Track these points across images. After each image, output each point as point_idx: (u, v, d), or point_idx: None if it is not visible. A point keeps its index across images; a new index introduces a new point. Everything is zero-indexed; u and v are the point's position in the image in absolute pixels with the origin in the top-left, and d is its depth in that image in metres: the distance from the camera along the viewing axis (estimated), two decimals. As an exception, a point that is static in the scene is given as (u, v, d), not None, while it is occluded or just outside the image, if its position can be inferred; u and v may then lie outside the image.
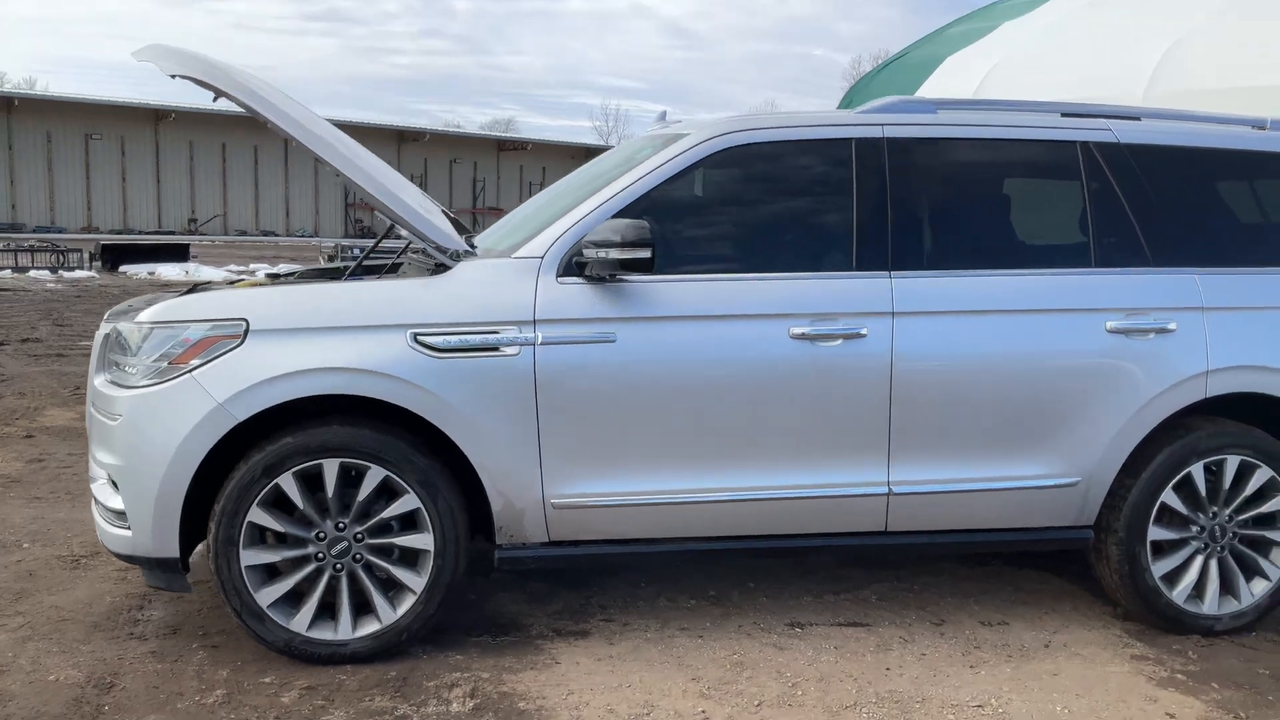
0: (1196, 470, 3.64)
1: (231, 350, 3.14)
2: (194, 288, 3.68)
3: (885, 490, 3.49)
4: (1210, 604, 3.72)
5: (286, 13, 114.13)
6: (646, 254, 3.14)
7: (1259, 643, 3.69)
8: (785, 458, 3.43)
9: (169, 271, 20.17)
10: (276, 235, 44.90)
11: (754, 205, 3.62)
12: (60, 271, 20.27)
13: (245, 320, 3.17)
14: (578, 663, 3.38)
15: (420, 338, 3.20)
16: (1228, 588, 3.73)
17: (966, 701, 3.20)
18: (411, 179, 5.68)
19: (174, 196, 44.73)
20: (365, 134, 44.02)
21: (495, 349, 3.23)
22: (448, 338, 3.22)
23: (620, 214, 3.35)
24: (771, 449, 3.42)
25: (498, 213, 44.37)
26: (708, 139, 3.48)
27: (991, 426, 3.52)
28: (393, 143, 48.24)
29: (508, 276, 3.31)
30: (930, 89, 17.90)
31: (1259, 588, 3.75)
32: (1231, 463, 3.65)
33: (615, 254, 3.14)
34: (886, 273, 3.48)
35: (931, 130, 3.62)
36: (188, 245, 22.66)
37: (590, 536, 3.42)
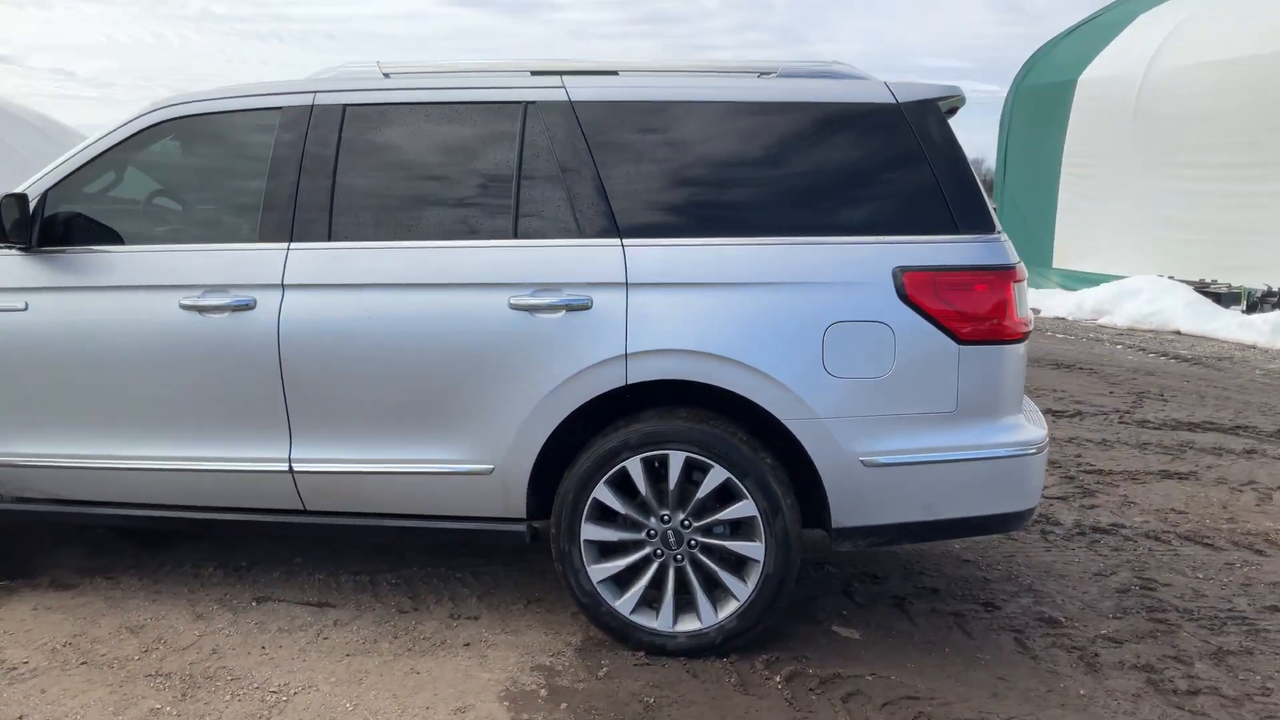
0: (634, 466, 3.23)
1: None
2: None
3: (288, 468, 3.42)
4: (664, 620, 3.29)
5: (615, 18, 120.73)
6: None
7: (705, 669, 3.21)
8: (190, 430, 3.46)
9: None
10: None
11: (181, 178, 3.66)
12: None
13: None
14: None
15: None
16: (691, 604, 3.28)
17: (267, 682, 3.11)
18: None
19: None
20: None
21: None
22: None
23: (58, 185, 3.54)
24: (176, 421, 3.46)
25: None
26: (145, 113, 3.57)
27: (391, 407, 3.33)
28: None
29: None
30: (1116, 48, 16.09)
31: (726, 607, 3.26)
32: (676, 460, 3.20)
33: None
34: (285, 244, 3.40)
35: (371, 96, 3.47)
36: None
37: (35, 495, 3.64)
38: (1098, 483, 5.38)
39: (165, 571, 3.98)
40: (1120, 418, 7.04)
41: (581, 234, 3.27)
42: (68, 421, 3.53)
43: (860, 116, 3.25)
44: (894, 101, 3.23)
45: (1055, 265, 15.93)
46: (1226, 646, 3.44)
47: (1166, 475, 5.55)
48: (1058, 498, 5.09)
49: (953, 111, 3.92)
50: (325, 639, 3.42)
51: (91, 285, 3.47)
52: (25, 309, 3.51)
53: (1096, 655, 3.36)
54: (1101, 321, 12.73)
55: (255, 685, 3.10)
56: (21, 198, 3.43)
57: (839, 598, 3.81)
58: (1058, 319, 13.41)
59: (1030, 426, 3.22)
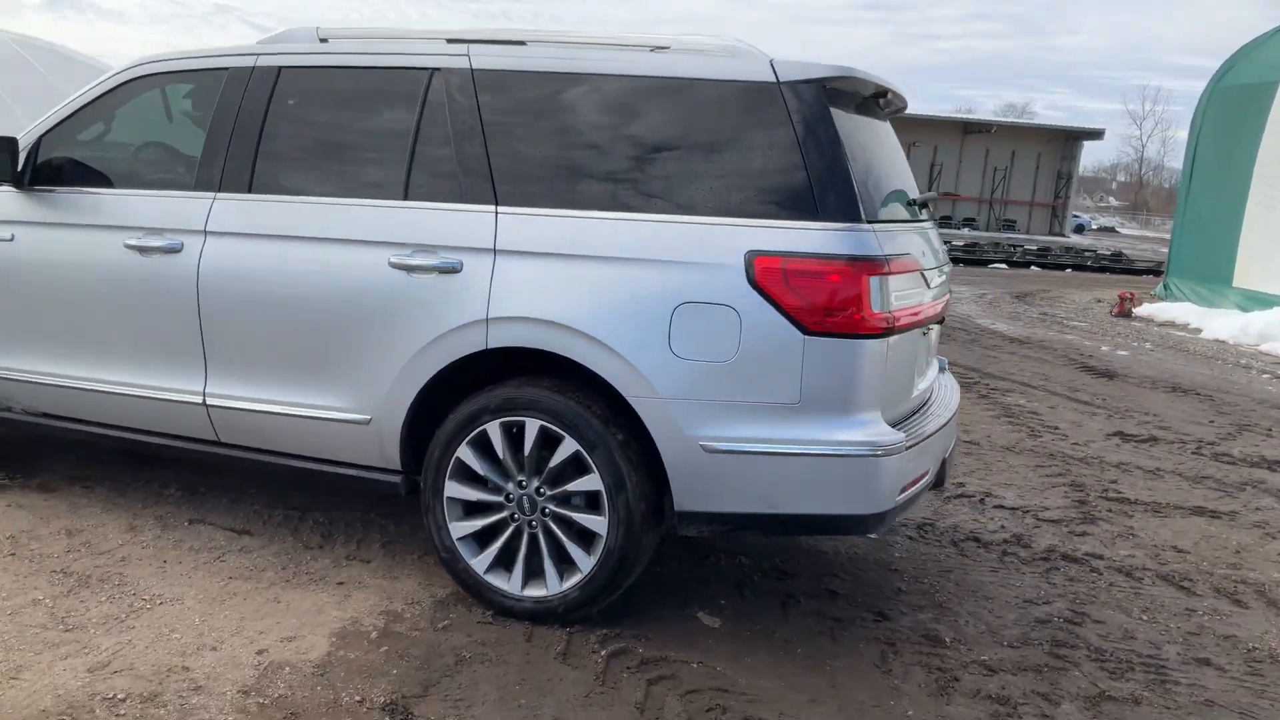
0: (494, 430, 3.30)
1: None
2: None
3: (202, 401, 3.70)
4: (514, 583, 3.35)
5: (841, 3, 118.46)
6: None
7: (543, 635, 3.24)
8: (128, 359, 3.80)
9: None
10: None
11: (149, 131, 3.98)
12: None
13: None
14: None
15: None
16: (542, 569, 3.33)
17: (144, 591, 3.39)
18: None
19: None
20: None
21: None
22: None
23: (48, 133, 3.96)
24: (120, 350, 3.80)
25: (950, 198, 42.83)
26: (123, 69, 3.93)
27: (286, 352, 3.53)
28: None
29: None
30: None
31: (571, 578, 3.28)
32: (531, 427, 3.25)
33: None
34: (212, 194, 3.66)
35: (303, 60, 3.67)
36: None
37: (13, 406, 4.10)
38: (1109, 511, 4.96)
39: (134, 488, 4.39)
40: (1198, 449, 6.41)
41: (463, 199, 3.35)
42: (39, 343, 3.95)
43: (738, 94, 3.15)
44: (773, 80, 3.12)
45: (1235, 284, 14.50)
46: (1114, 693, 3.14)
47: (1199, 512, 5.04)
48: (1051, 520, 4.74)
49: (897, 112, 3.74)
50: (221, 561, 3.69)
51: (62, 222, 3.87)
52: (11, 239, 3.95)
53: (956, 680, 3.16)
54: (1263, 348, 11.52)
55: (133, 592, 3.39)
56: (11, 140, 3.85)
57: (729, 588, 3.74)
58: (1216, 341, 12.25)
59: (881, 427, 3.05)
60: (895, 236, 3.19)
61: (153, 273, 3.69)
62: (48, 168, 3.94)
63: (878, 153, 3.47)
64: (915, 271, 3.25)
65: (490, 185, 3.32)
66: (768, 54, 3.24)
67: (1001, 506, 4.92)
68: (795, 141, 3.05)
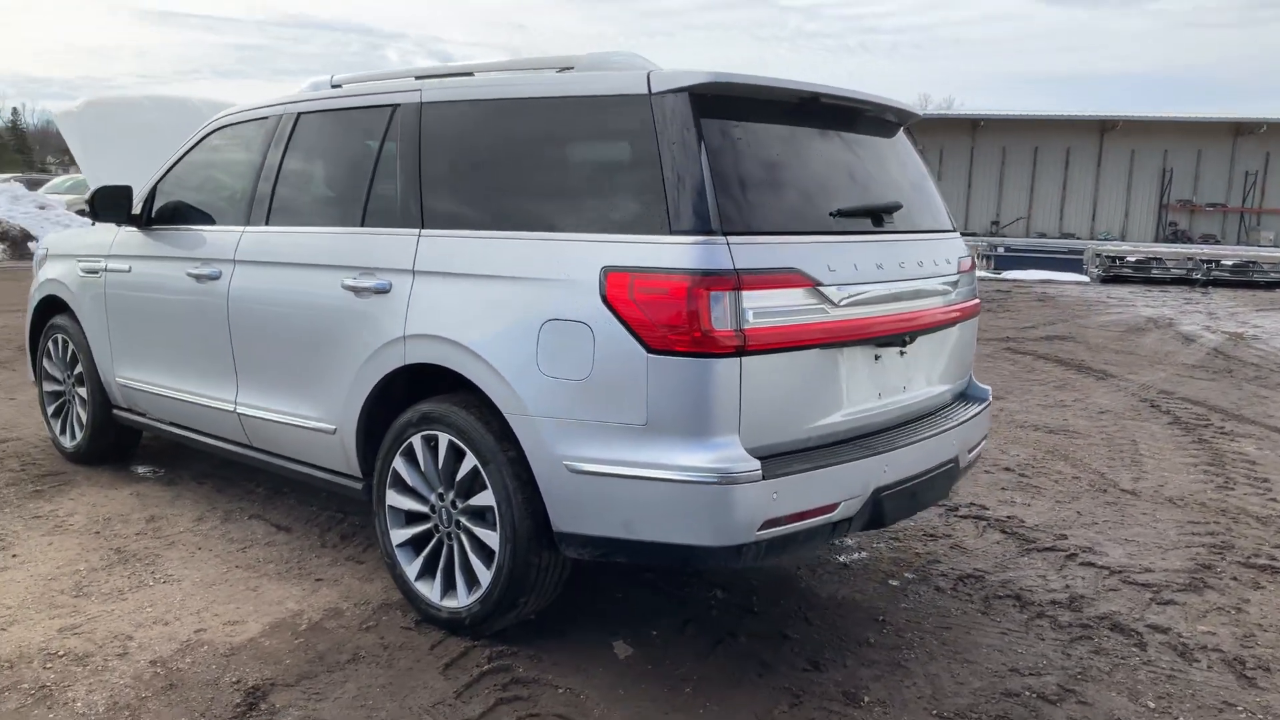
0: (417, 442, 3.46)
1: None
2: None
3: (234, 409, 4.21)
4: (435, 591, 3.48)
5: (1230, 5, 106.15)
6: (89, 209, 4.55)
7: (447, 645, 3.33)
8: (196, 371, 4.41)
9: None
10: (1076, 238, 44.15)
11: (223, 173, 4.55)
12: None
13: None
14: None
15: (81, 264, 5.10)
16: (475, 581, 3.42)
17: (160, 570, 3.91)
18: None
19: (982, 199, 47.21)
20: (1061, 126, 40.99)
21: (95, 272, 4.96)
22: (88, 261, 5.05)
23: (160, 179, 4.72)
24: (191, 363, 4.43)
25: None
26: (207, 124, 4.59)
27: (284, 366, 3.93)
28: (1094, 133, 44.65)
29: (107, 225, 4.94)
30: None
31: (475, 592, 3.35)
32: (443, 442, 3.38)
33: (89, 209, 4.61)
34: (243, 227, 4.17)
35: (316, 105, 4.06)
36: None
37: (138, 410, 4.90)
38: (1234, 580, 4.09)
39: (234, 485, 5.04)
40: None
41: (400, 223, 3.56)
42: (147, 357, 4.71)
43: (613, 108, 3.09)
44: (644, 93, 3.02)
45: None
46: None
47: (1371, 592, 4.01)
48: (1140, 584, 4.00)
49: (807, 109, 3.43)
50: (243, 552, 4.16)
51: (156, 255, 4.60)
52: (129, 271, 4.75)
53: (835, 743, 2.81)
54: None
55: (151, 571, 3.93)
56: (127, 189, 4.64)
57: (675, 620, 3.58)
58: None
59: (732, 452, 2.80)
60: (782, 250, 2.94)
61: (203, 297, 4.27)
62: (160, 209, 4.70)
63: (806, 159, 3.22)
64: (806, 287, 2.97)
65: (420, 209, 3.51)
66: (658, 67, 3.14)
67: (1091, 564, 4.23)
68: (656, 153, 2.94)
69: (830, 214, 3.21)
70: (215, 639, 3.37)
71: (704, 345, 2.78)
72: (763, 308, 2.85)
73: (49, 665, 3.16)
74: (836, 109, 3.38)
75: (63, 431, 5.42)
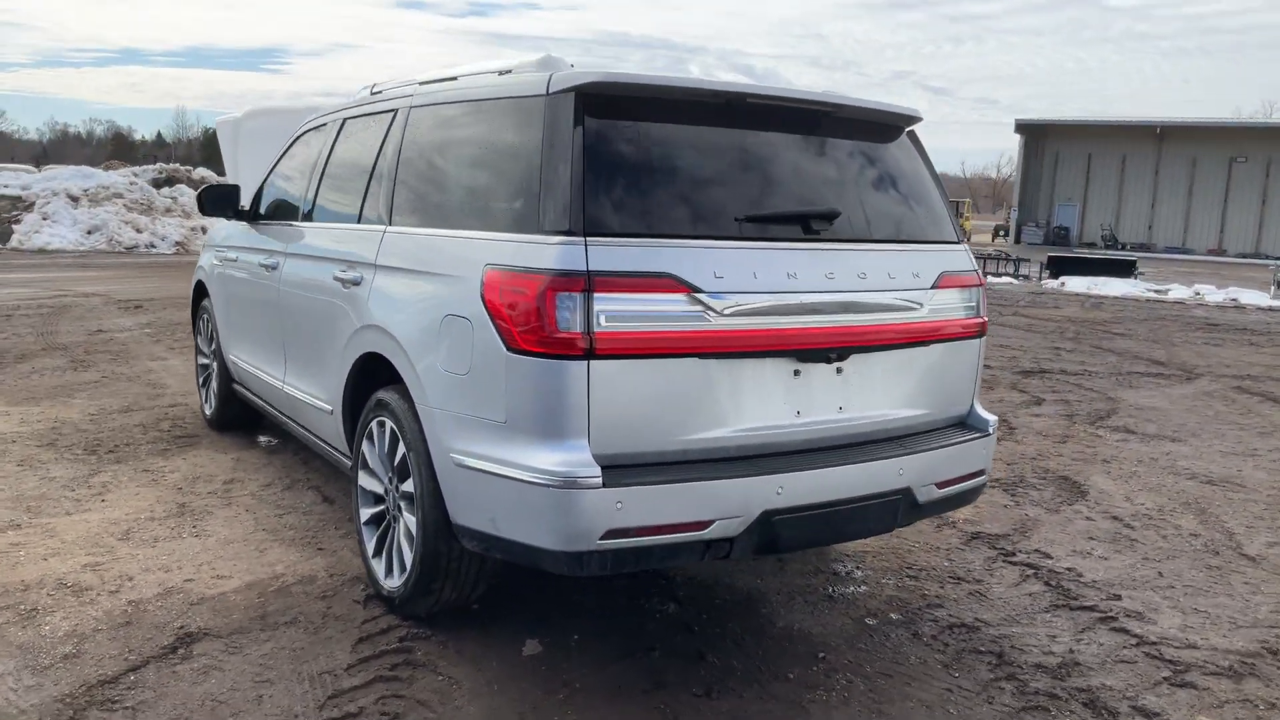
0: (375, 428, 3.66)
1: None
2: None
3: (282, 385, 4.64)
4: (382, 569, 3.66)
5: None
6: (199, 204, 5.16)
7: (380, 619, 3.51)
8: (265, 352, 4.90)
9: (1109, 286, 20.70)
10: (1270, 258, 37.84)
11: (301, 173, 4.97)
12: (1012, 279, 22.84)
13: None
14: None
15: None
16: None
17: (195, 525, 4.38)
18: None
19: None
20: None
21: (219, 261, 5.64)
22: (218, 252, 5.74)
23: (266, 178, 5.29)
24: (266, 345, 4.92)
25: None
26: (298, 128, 5.07)
27: (306, 348, 4.29)
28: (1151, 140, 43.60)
29: (233, 221, 5.57)
30: None
31: (404, 574, 3.50)
32: (388, 428, 3.56)
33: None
34: (295, 223, 4.58)
35: (355, 110, 4.41)
36: (1134, 261, 22.24)
37: (244, 384, 5.49)
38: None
39: (317, 459, 5.51)
40: None
41: (376, 221, 3.79)
42: (244, 337, 5.29)
43: (520, 110, 3.11)
44: (542, 93, 3.02)
45: None
46: None
47: None
48: (1183, 664, 3.44)
49: (761, 110, 3.26)
50: (279, 518, 4.56)
51: (246, 246, 5.16)
52: (235, 260, 5.35)
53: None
54: None
55: (193, 526, 4.41)
56: (235, 187, 5.24)
57: (605, 627, 3.53)
58: None
59: (578, 456, 2.73)
60: (653, 253, 2.84)
61: (268, 284, 4.74)
62: (262, 205, 5.26)
63: (719, 163, 3.08)
64: (681, 293, 2.84)
65: (390, 208, 3.71)
66: (575, 68, 3.13)
67: (1124, 631, 3.68)
68: (539, 152, 2.94)
69: (736, 219, 3.04)
70: (196, 589, 3.74)
71: (551, 346, 2.75)
72: (619, 311, 2.77)
73: (53, 593, 3.66)
74: (772, 110, 3.19)
75: (205, 401, 6.18)
